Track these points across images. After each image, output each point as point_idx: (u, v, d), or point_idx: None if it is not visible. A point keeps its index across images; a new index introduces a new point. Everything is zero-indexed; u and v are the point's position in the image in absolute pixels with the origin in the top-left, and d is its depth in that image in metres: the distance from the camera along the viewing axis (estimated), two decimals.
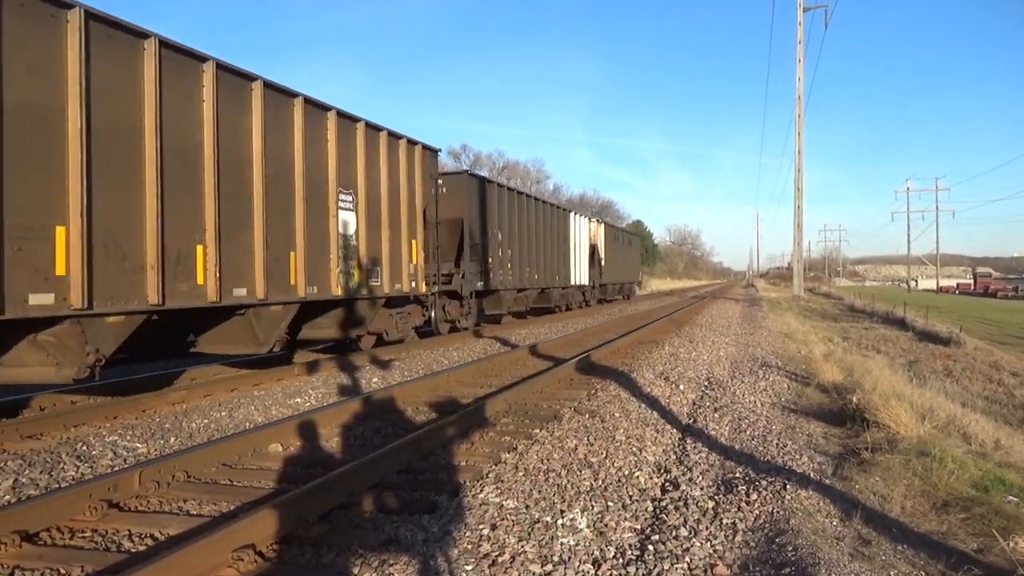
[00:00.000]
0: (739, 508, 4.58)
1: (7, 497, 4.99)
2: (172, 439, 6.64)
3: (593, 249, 29.60)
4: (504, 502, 4.65)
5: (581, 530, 4.23)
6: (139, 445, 6.40)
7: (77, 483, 5.04)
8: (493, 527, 4.23)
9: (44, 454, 6.05)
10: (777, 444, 6.33)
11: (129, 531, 4.30)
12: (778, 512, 4.50)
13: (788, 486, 4.93)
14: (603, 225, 31.36)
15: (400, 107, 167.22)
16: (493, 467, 5.42)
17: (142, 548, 4.09)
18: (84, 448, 6.25)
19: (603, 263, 30.94)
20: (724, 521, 4.38)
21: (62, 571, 3.78)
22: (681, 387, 9.15)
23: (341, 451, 6.16)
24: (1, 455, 6.06)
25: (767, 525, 4.31)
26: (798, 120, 38.12)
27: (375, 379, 10.11)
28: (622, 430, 6.64)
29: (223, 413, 7.70)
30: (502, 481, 5.07)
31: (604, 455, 5.82)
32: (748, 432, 6.82)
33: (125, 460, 5.93)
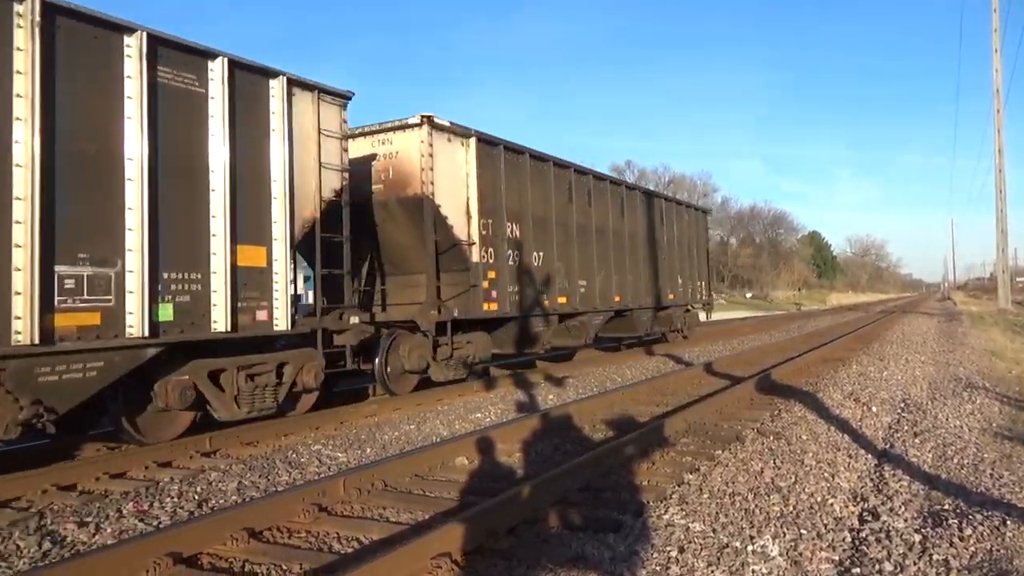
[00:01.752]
0: (951, 544, 4.23)
1: (234, 498, 5.60)
2: (368, 450, 7.14)
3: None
4: (690, 524, 4.59)
5: (773, 558, 4.09)
6: (340, 454, 6.94)
7: (291, 487, 5.57)
8: (680, 550, 4.19)
9: (261, 460, 6.71)
10: (991, 474, 5.76)
11: (338, 534, 4.68)
12: (998, 550, 4.11)
13: (1009, 522, 4.48)
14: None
15: (567, 127, 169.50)
16: (676, 488, 5.36)
17: (349, 550, 4.44)
18: (294, 456, 6.87)
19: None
20: (934, 557, 4.06)
21: (284, 567, 4.19)
22: (873, 409, 8.56)
23: (522, 466, 6.34)
24: (226, 459, 6.81)
25: (985, 564, 3.95)
26: (997, 116, 34.51)
27: (550, 396, 10.30)
28: (811, 454, 6.33)
29: (411, 427, 8.17)
30: (686, 503, 5.00)
31: (793, 479, 5.58)
32: (955, 460, 6.27)
33: (329, 468, 6.45)
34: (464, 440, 6.81)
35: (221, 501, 5.52)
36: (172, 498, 5.57)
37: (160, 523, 5.03)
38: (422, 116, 10.30)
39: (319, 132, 8.40)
